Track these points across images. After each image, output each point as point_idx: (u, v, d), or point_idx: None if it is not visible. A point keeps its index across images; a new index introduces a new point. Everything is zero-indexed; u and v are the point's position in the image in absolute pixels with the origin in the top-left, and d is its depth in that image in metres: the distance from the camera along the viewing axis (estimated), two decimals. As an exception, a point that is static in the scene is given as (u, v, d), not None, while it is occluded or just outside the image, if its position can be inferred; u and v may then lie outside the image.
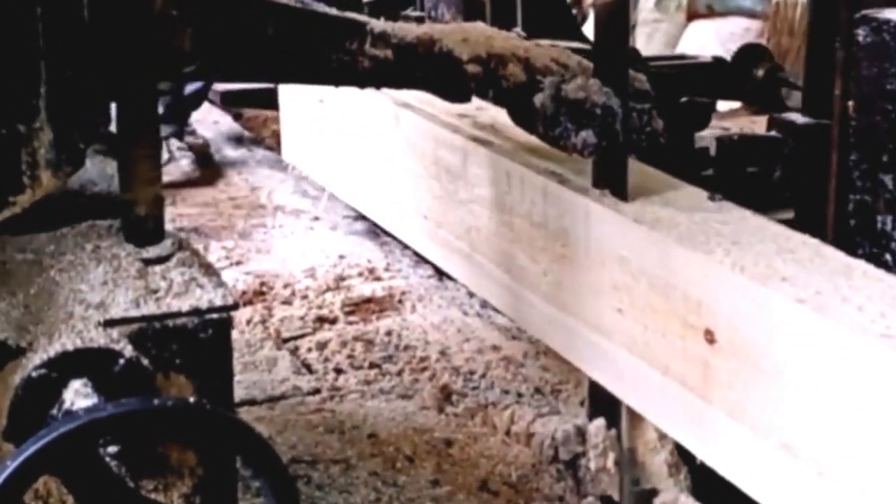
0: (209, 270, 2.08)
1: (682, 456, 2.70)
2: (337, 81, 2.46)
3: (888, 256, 2.20)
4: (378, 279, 3.77)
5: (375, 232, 4.21)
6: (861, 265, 2.05)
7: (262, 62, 2.30)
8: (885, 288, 1.94)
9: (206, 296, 2.00)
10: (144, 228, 2.05)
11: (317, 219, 4.33)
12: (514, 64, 2.39)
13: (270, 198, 4.55)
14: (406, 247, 4.08)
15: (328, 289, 3.69)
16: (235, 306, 2.01)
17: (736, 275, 2.01)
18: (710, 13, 5.99)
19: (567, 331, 2.45)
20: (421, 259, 3.91)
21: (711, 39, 5.67)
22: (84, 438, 1.53)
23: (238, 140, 5.28)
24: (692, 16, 6.10)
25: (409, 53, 2.35)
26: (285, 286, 3.71)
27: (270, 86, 4.40)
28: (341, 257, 3.94)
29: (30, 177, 1.91)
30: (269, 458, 1.61)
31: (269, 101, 4.56)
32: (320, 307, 3.56)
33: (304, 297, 3.64)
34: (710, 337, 2.05)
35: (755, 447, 1.99)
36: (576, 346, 2.45)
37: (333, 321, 3.47)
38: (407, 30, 2.41)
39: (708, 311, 2.06)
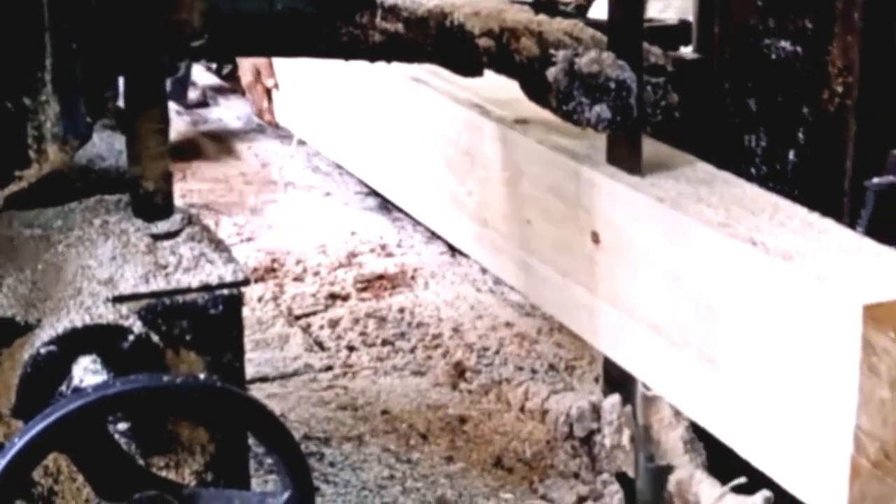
0: (219, 246, 2.05)
1: (698, 432, 2.68)
2: (347, 55, 2.42)
3: (752, 169, 2.53)
4: (390, 255, 3.74)
5: (387, 208, 4.17)
6: (725, 175, 2.34)
7: (272, 37, 2.28)
8: (739, 192, 2.26)
9: (216, 271, 1.98)
10: (153, 203, 2.02)
11: (328, 194, 4.30)
12: (527, 37, 2.35)
13: (281, 173, 4.52)
14: (418, 223, 4.06)
15: (340, 265, 3.66)
16: (246, 282, 1.99)
17: (614, 182, 2.34)
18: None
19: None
20: (433, 235, 3.89)
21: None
22: (93, 415, 1.51)
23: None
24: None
25: (420, 27, 2.32)
26: (297, 263, 3.69)
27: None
28: (353, 233, 3.91)
29: (36, 151, 1.88)
30: (281, 435, 1.58)
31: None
32: (332, 284, 3.54)
33: (316, 273, 3.62)
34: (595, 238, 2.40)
35: (631, 329, 2.30)
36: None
37: (346, 298, 3.45)
38: (418, 3, 2.38)
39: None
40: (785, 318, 2.00)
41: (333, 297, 3.45)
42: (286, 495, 1.60)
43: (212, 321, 1.95)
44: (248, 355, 2.68)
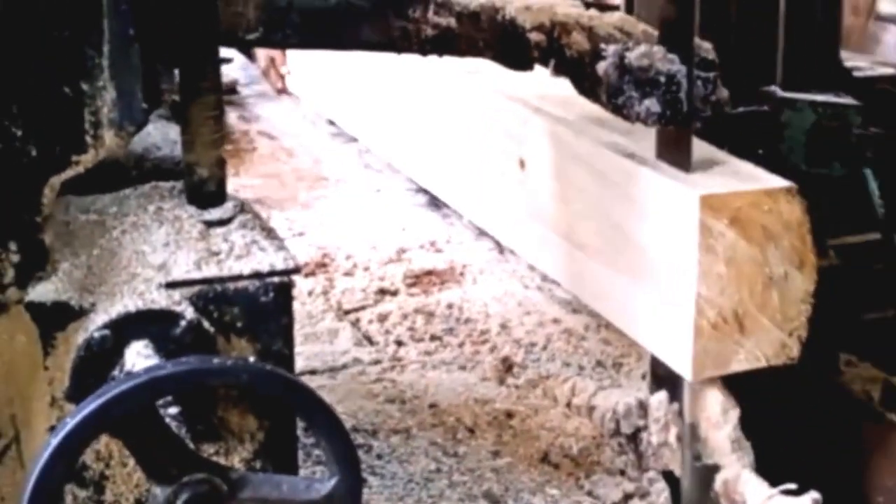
0: (271, 234, 2.07)
1: (746, 431, 2.66)
2: (399, 49, 2.43)
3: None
4: (439, 251, 3.75)
5: (437, 205, 4.18)
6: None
7: (325, 30, 2.29)
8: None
9: (267, 259, 2.00)
10: (206, 190, 2.04)
11: (379, 191, 4.31)
12: (578, 32, 2.35)
13: (333, 170, 4.54)
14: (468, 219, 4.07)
15: (390, 261, 3.67)
16: (297, 270, 2.00)
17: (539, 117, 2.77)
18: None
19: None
20: (482, 232, 3.89)
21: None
22: (144, 396, 1.52)
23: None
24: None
25: (472, 21, 2.33)
26: (347, 258, 3.70)
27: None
28: (403, 229, 3.92)
29: (93, 136, 1.90)
30: (330, 422, 1.59)
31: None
32: (381, 279, 3.55)
33: (366, 268, 3.63)
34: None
35: (549, 239, 2.75)
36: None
37: (395, 293, 3.46)
38: None
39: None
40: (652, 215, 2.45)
41: (383, 291, 3.46)
42: (333, 482, 1.62)
43: (262, 308, 1.97)
44: (298, 349, 2.70)
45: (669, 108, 2.35)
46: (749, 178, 2.45)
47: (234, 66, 5.47)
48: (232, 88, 5.44)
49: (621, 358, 2.96)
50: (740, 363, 2.44)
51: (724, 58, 2.48)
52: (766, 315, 2.45)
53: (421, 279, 3.54)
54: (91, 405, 1.50)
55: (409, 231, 3.91)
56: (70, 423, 1.48)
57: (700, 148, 2.51)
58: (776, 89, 2.91)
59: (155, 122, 2.40)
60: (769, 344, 2.45)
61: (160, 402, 1.70)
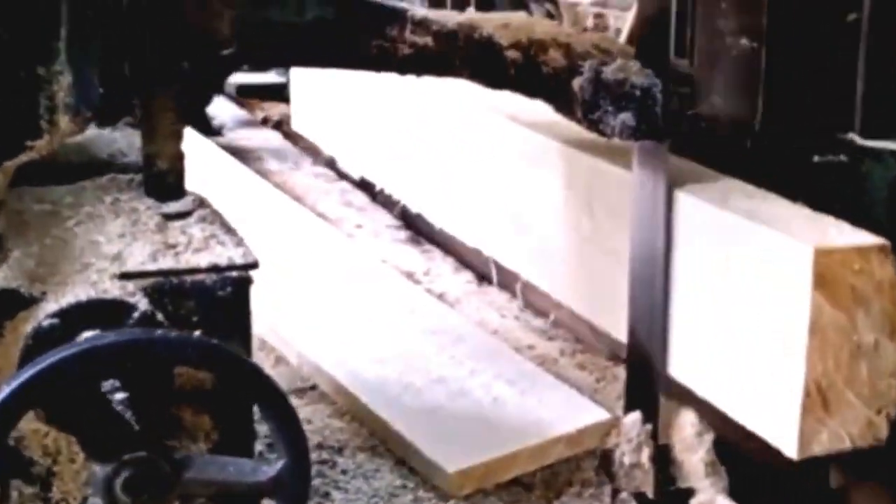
0: (230, 229, 2.03)
1: (720, 455, 2.61)
2: (376, 67, 2.42)
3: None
4: (417, 283, 3.70)
5: (417, 240, 4.14)
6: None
7: (301, 47, 2.27)
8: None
9: (225, 253, 1.96)
10: (165, 183, 2.02)
11: (360, 226, 4.28)
12: (555, 49, 2.33)
13: (315, 207, 4.50)
14: (448, 253, 4.02)
15: (367, 291, 3.63)
16: (256, 264, 1.96)
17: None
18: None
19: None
20: (462, 265, 3.85)
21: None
22: (84, 365, 1.47)
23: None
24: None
25: (449, 40, 2.31)
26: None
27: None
28: (383, 262, 3.88)
29: (48, 121, 1.87)
30: (278, 402, 1.54)
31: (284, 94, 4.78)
32: (357, 307, 3.50)
33: (342, 298, 3.57)
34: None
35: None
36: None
37: (370, 321, 3.41)
38: (448, 17, 2.38)
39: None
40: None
41: (357, 319, 3.41)
42: (281, 464, 1.56)
43: (219, 303, 1.92)
44: (271, 370, 2.64)
45: (645, 121, 2.33)
46: (836, 234, 2.22)
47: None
48: (218, 131, 5.44)
49: (597, 382, 2.91)
50: (821, 444, 2.17)
51: (795, 102, 2.41)
52: (853, 389, 2.17)
53: (397, 309, 3.49)
54: (28, 372, 1.44)
55: (388, 264, 3.87)
56: (6, 390, 1.42)
57: (776, 202, 2.35)
58: (855, 137, 2.69)
59: (122, 130, 2.38)
60: (855, 422, 2.18)
61: (107, 386, 1.66)
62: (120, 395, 1.69)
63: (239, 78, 5.61)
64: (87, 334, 1.76)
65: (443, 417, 2.56)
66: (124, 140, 2.34)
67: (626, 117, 2.33)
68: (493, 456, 2.45)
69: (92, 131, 2.18)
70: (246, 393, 1.62)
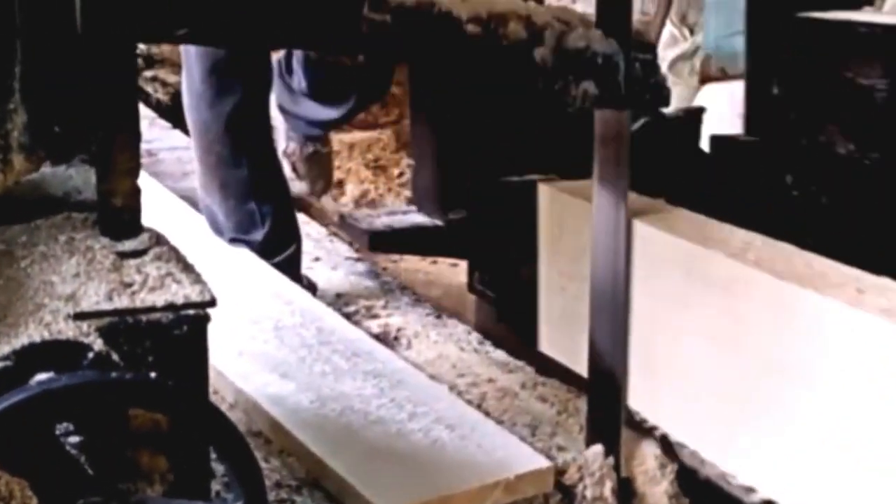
0: (187, 266, 2.00)
1: (684, 487, 2.60)
2: (334, 47, 2.36)
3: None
4: (375, 317, 3.68)
5: (376, 272, 4.13)
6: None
7: (259, 26, 2.19)
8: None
9: (182, 291, 1.93)
10: (121, 221, 1.98)
11: (317, 259, 4.25)
12: (515, 22, 2.30)
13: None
14: (405, 287, 4.01)
15: (324, 324, 3.60)
16: (213, 303, 1.93)
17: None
18: (724, 76, 5.95)
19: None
20: (421, 298, 3.84)
21: (725, 102, 5.63)
22: (38, 410, 1.44)
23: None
24: (705, 79, 6.07)
25: (408, 17, 2.25)
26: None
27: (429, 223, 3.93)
28: (339, 296, 3.86)
29: (2, 160, 1.84)
30: (235, 441, 1.52)
31: (430, 245, 4.03)
32: (314, 341, 3.47)
33: (299, 332, 3.55)
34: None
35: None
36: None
37: (327, 354, 3.38)
38: None
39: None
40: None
41: (315, 353, 3.38)
42: (239, 506, 1.54)
43: (176, 342, 1.89)
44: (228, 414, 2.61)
45: (607, 90, 2.31)
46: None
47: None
48: None
49: (558, 415, 2.89)
50: None
51: None
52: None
53: (354, 342, 3.47)
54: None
55: (345, 297, 3.85)
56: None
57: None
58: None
59: (77, 167, 2.34)
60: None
61: (61, 429, 1.62)
62: (74, 439, 1.66)
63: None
64: (41, 377, 1.73)
65: (380, 458, 2.53)
66: (79, 177, 2.30)
67: (589, 85, 2.31)
68: (427, 498, 2.41)
69: (46, 169, 2.15)
70: (202, 433, 1.59)
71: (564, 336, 2.80)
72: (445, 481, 2.47)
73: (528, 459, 2.58)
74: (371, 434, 2.67)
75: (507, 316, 3.26)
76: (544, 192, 2.84)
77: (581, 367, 2.69)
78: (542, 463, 2.57)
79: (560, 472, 2.58)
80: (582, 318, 2.62)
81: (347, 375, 2.98)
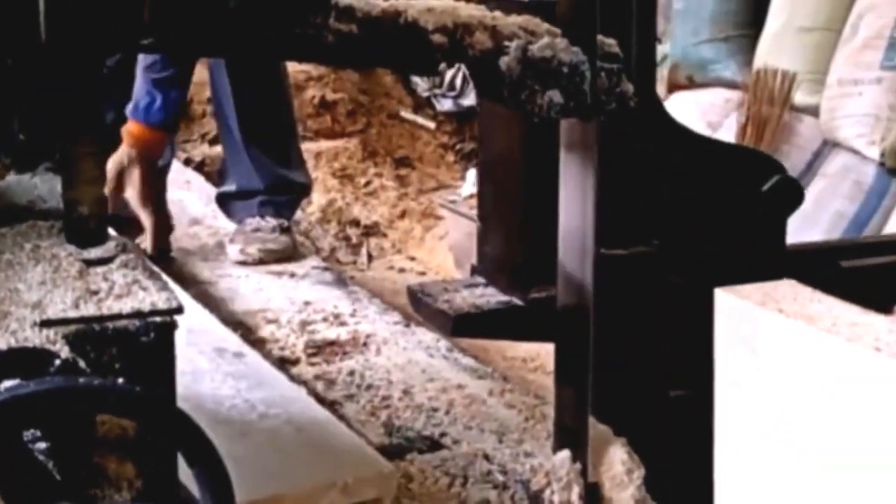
0: (153, 274, 2.01)
1: (651, 491, 2.62)
2: (301, 57, 2.36)
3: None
4: (343, 324, 3.69)
5: (343, 281, 4.14)
6: None
7: (224, 36, 2.19)
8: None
9: (149, 298, 1.93)
10: (86, 229, 1.98)
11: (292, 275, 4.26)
12: (481, 31, 2.32)
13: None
14: (374, 294, 4.02)
15: (292, 332, 3.61)
16: (180, 310, 1.93)
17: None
18: (691, 84, 5.97)
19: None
20: (389, 306, 3.85)
21: (693, 110, 5.66)
22: (5, 416, 1.44)
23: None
24: (673, 87, 6.08)
25: (374, 27, 2.27)
26: (248, 332, 3.63)
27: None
28: (307, 303, 3.87)
29: (-36, 168, 1.84)
30: (204, 447, 1.52)
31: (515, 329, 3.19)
32: (282, 349, 3.48)
33: (265, 341, 3.56)
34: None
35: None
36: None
37: (295, 362, 3.40)
38: (372, 4, 2.33)
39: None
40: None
41: (283, 361, 3.40)
42: (207, 512, 1.54)
43: (143, 349, 1.89)
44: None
45: (573, 99, 2.33)
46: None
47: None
48: None
49: (525, 422, 2.91)
50: None
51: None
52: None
53: (323, 349, 3.48)
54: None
55: (313, 305, 3.85)
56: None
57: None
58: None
59: (42, 175, 2.34)
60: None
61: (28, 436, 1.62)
62: (41, 445, 1.66)
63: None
64: (7, 384, 1.73)
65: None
66: (45, 186, 2.30)
67: (554, 94, 2.33)
68: (257, 497, 2.39)
69: (11, 177, 2.15)
70: (171, 439, 1.59)
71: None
72: (279, 481, 2.46)
73: (370, 463, 2.58)
74: (212, 435, 2.65)
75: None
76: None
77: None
78: (385, 467, 2.57)
79: (528, 478, 2.59)
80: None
81: (207, 376, 2.97)
